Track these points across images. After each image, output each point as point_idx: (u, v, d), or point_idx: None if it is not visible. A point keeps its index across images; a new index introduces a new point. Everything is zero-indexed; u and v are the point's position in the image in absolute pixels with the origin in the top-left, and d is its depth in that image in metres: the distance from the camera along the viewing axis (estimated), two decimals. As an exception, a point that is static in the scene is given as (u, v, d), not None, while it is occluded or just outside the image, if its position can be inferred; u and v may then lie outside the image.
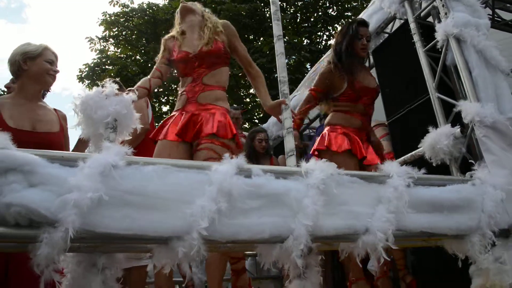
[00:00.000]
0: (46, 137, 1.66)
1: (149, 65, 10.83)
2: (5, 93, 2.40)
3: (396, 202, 1.52)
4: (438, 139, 2.06)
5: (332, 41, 12.46)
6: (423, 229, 1.56)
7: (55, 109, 1.86)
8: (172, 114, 2.03)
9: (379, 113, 2.85)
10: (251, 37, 11.92)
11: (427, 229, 1.56)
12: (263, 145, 3.30)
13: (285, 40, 11.65)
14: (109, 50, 11.50)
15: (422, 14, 2.51)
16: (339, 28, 12.12)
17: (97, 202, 1.10)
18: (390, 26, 3.00)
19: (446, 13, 2.21)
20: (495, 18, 2.74)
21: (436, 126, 2.20)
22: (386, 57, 2.78)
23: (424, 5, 2.50)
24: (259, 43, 11.42)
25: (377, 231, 1.43)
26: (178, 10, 2.14)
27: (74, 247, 1.23)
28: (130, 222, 1.14)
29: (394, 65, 2.72)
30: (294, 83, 11.58)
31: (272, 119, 4.56)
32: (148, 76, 2.06)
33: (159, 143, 1.94)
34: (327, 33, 12.18)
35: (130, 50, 11.46)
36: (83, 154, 1.22)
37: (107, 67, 10.75)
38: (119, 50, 11.44)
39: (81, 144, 1.97)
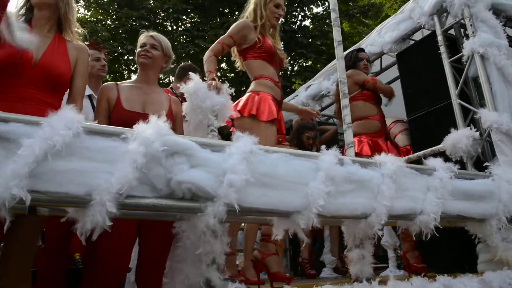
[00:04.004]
0: None
1: (120, 31, 10.57)
2: None
3: (441, 191, 1.90)
4: (460, 139, 2.48)
5: (307, 22, 12.43)
6: (459, 213, 1.96)
7: (170, 96, 2.04)
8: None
9: (399, 111, 3.24)
10: (226, 10, 11.80)
11: (462, 213, 1.97)
12: (310, 142, 3.58)
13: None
14: (79, 12, 10.92)
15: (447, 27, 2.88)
16: (314, 9, 12.37)
17: (245, 182, 1.37)
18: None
19: (473, 32, 2.59)
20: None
21: (454, 127, 2.61)
22: (410, 61, 3.15)
23: (450, 20, 2.87)
24: (234, 17, 11.23)
25: (430, 212, 1.82)
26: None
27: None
28: (267, 199, 1.43)
29: (416, 69, 3.09)
30: (267, 63, 11.74)
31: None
32: (213, 54, 2.32)
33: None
34: (302, 14, 12.21)
35: (101, 14, 11.04)
36: (226, 142, 1.47)
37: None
38: (89, 13, 10.97)
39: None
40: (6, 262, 1.30)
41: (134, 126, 1.33)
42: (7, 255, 1.29)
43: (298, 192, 1.49)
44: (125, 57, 10.34)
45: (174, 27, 11.45)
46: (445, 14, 2.89)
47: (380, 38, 3.36)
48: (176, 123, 1.92)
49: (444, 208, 1.90)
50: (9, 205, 1.07)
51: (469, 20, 2.62)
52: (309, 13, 12.45)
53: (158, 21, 11.05)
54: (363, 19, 12.59)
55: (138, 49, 2.00)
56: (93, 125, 1.26)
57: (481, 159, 2.57)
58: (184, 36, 10.82)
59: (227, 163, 1.37)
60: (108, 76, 10.69)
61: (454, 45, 2.89)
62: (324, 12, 12.58)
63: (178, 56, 9.99)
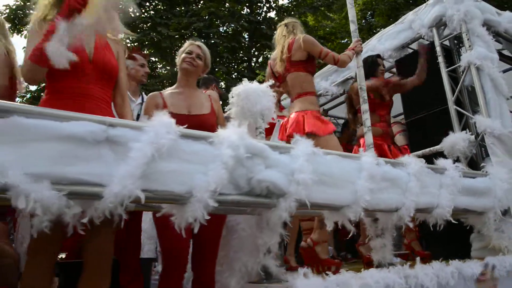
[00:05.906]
0: (199, 119, 1.99)
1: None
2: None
3: (452, 187, 2.20)
4: (457, 141, 2.80)
5: (272, 14, 12.38)
6: (465, 207, 2.27)
7: (208, 94, 2.18)
8: None
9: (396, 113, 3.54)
10: (191, -1, 11.72)
11: (467, 207, 2.28)
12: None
13: (226, 6, 11.73)
14: (37, -4, 10.49)
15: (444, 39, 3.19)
16: (280, 1, 12.41)
17: (311, 181, 1.56)
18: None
19: (470, 46, 2.91)
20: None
21: (448, 130, 2.93)
22: (408, 68, 3.44)
23: (446, 32, 3.18)
24: (199, 6, 11.26)
25: (445, 206, 2.10)
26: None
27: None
28: (326, 195, 1.63)
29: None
30: (230, 52, 11.75)
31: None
32: None
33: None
34: (267, 5, 12.33)
35: (58, -1, 10.63)
36: (290, 146, 1.65)
37: (31, 11, 9.83)
38: (46, -1, 10.57)
39: None
40: (97, 258, 1.38)
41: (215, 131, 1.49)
42: (100, 250, 1.37)
43: (347, 189, 1.71)
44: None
45: (137, 14, 11.20)
46: (443, 27, 3.20)
47: (381, 45, 3.64)
48: (219, 117, 2.13)
49: (455, 203, 2.19)
50: (126, 203, 1.19)
51: (466, 34, 2.93)
52: (274, 4, 12.49)
53: (119, 6, 10.66)
54: (328, 13, 12.82)
55: (183, 54, 2.12)
56: (184, 129, 1.39)
57: (474, 159, 2.92)
58: (148, 24, 10.51)
59: (295, 163, 1.55)
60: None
61: (449, 56, 3.22)
62: (289, 5, 12.71)
63: (140, 43, 9.75)
